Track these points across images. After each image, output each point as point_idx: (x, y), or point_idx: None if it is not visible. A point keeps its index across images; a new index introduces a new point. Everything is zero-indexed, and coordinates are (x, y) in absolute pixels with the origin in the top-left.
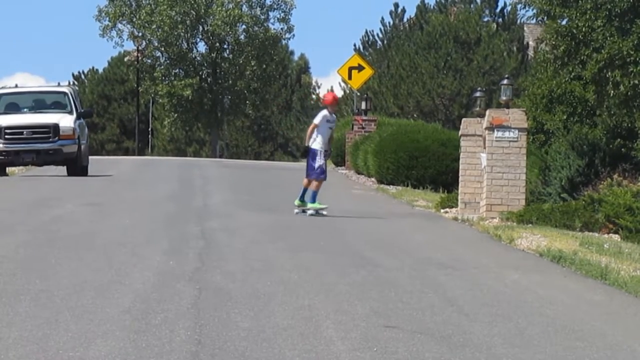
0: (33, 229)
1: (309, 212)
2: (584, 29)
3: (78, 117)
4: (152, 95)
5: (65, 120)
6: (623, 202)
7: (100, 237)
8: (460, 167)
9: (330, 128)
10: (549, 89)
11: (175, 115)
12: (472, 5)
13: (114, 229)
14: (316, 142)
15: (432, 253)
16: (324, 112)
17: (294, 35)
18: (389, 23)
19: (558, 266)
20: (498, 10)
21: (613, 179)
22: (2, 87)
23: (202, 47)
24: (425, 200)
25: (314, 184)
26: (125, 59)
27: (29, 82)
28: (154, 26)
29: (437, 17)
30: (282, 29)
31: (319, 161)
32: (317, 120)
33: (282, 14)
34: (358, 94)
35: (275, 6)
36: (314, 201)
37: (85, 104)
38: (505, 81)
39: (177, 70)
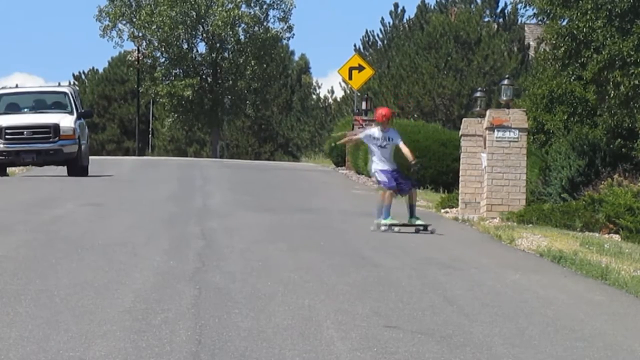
0: (33, 229)
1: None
2: (584, 30)
3: (78, 117)
4: (153, 95)
5: (66, 121)
6: (623, 202)
7: (100, 237)
8: (461, 167)
9: (380, 146)
10: (549, 89)
11: (176, 115)
12: (472, 6)
13: (114, 229)
14: (373, 164)
15: (433, 253)
16: (369, 129)
17: (293, 34)
18: (389, 23)
19: (558, 266)
20: (499, 10)
21: (613, 179)
22: (3, 87)
23: (202, 47)
24: (425, 200)
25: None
26: (128, 58)
27: (28, 82)
28: (154, 26)
29: (437, 17)
30: (282, 28)
31: (381, 178)
32: (360, 135)
33: (282, 14)
34: (358, 94)
35: (275, 6)
36: (379, 215)
37: (85, 104)
38: (505, 81)
39: (177, 70)
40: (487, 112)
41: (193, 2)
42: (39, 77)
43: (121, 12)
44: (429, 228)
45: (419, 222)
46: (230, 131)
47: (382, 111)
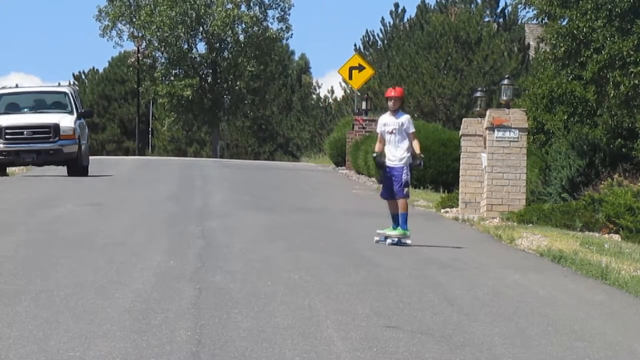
0: (33, 229)
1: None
2: (584, 30)
3: (78, 117)
4: (153, 95)
5: (66, 121)
6: (623, 202)
7: (100, 237)
8: (461, 167)
9: (388, 132)
10: (549, 89)
11: (175, 115)
12: (472, 6)
13: (114, 229)
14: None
15: (432, 253)
16: (380, 117)
17: (292, 34)
18: (389, 23)
19: (558, 266)
20: (499, 10)
21: (613, 178)
22: (3, 87)
23: (202, 47)
24: (425, 200)
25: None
26: (129, 60)
27: (25, 82)
28: (154, 27)
29: (437, 17)
30: (280, 28)
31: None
32: (377, 130)
33: (281, 13)
34: (358, 94)
35: (273, 5)
36: (402, 225)
37: (85, 104)
38: (505, 81)
39: (177, 70)
40: (487, 112)
41: (192, 2)
42: (36, 77)
43: (121, 12)
44: (408, 242)
45: (393, 231)
46: (230, 131)
47: (390, 89)
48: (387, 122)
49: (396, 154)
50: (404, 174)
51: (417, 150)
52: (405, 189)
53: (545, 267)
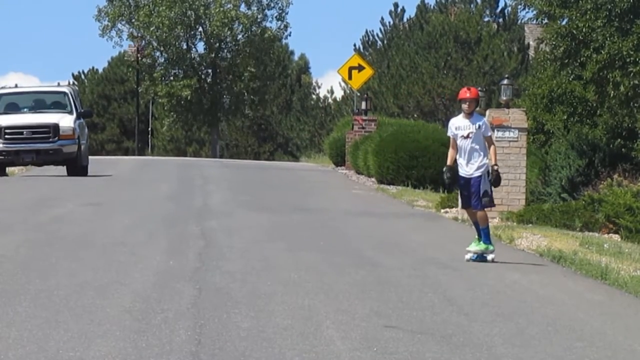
0: (33, 229)
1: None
2: (584, 30)
3: (78, 117)
4: (152, 95)
5: (65, 120)
6: (623, 202)
7: (100, 237)
8: None
9: (463, 137)
10: (549, 89)
11: (175, 115)
12: (472, 5)
13: (114, 229)
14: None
15: (432, 253)
16: (451, 120)
17: (290, 32)
18: (389, 23)
19: (558, 266)
20: (498, 10)
21: (613, 179)
22: (2, 87)
23: (201, 47)
24: (425, 200)
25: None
26: (126, 55)
27: (23, 82)
28: (153, 27)
29: (437, 17)
30: (279, 27)
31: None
32: (448, 134)
33: (279, 11)
34: (358, 94)
35: (272, 4)
36: (484, 240)
37: (85, 104)
38: (505, 81)
39: (176, 70)
40: (487, 112)
41: (191, 3)
42: (34, 77)
43: (120, 12)
44: (488, 257)
45: (474, 247)
46: (230, 131)
47: (465, 88)
48: (460, 125)
49: (472, 161)
50: (482, 184)
51: (494, 159)
52: (485, 199)
53: (545, 267)
